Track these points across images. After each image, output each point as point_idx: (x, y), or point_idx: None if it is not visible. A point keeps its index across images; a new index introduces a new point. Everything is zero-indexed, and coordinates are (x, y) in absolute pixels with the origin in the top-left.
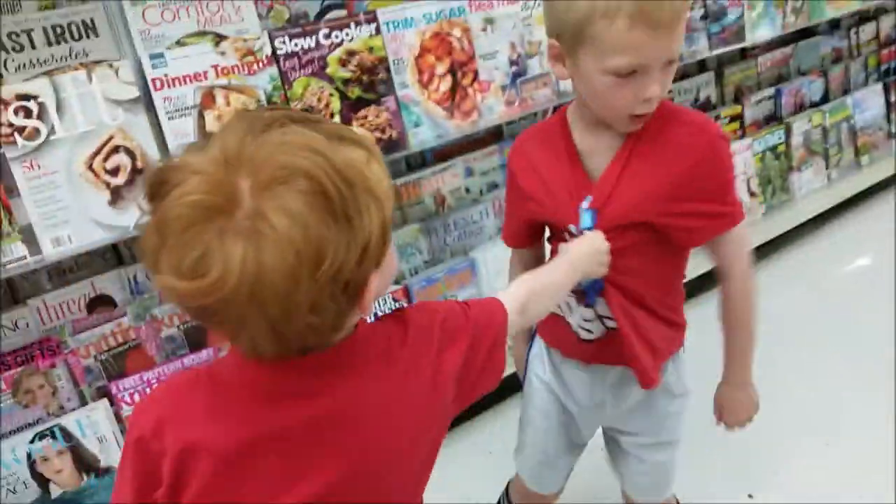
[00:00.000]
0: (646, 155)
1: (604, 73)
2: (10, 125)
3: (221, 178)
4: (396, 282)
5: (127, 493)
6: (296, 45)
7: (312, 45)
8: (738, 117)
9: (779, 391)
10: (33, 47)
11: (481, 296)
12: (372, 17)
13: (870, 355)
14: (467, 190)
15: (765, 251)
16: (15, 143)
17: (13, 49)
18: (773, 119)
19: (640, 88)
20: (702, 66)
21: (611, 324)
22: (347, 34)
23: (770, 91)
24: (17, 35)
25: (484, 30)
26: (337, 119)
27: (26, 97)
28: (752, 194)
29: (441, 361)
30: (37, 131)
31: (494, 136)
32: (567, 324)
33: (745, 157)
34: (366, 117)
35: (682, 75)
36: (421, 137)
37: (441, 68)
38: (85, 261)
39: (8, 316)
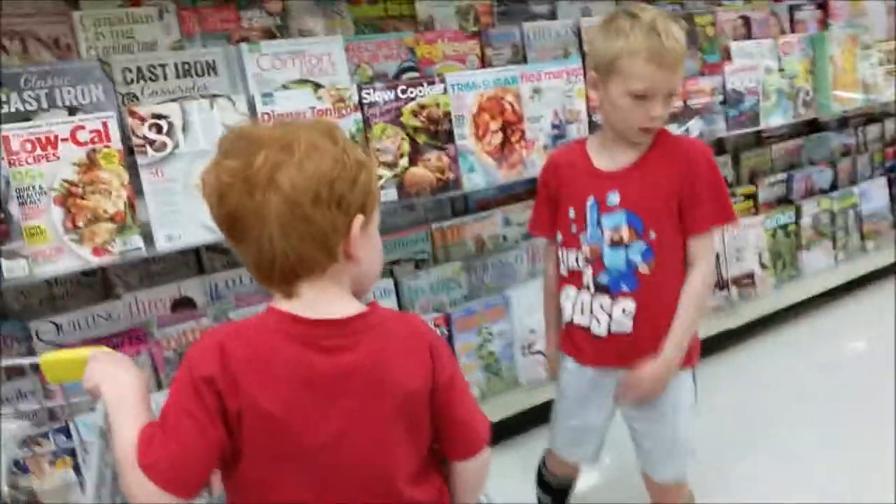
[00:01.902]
0: (655, 161)
1: (625, 94)
2: (144, 138)
3: None
4: (438, 310)
5: (195, 432)
6: (378, 96)
7: (391, 97)
8: (751, 196)
9: (778, 453)
10: (165, 79)
11: (513, 331)
12: (441, 80)
13: (866, 432)
14: (504, 238)
15: (773, 322)
16: (146, 153)
17: (150, 79)
18: (784, 201)
19: (649, 108)
20: (720, 149)
21: (616, 325)
22: (421, 91)
23: (783, 176)
24: (155, 68)
25: (532, 97)
26: (406, 160)
27: (159, 116)
28: (763, 266)
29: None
30: (164, 145)
31: (530, 192)
32: (579, 328)
33: (757, 232)
34: (429, 160)
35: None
36: (474, 181)
37: (494, 126)
38: (171, 267)
39: (103, 307)
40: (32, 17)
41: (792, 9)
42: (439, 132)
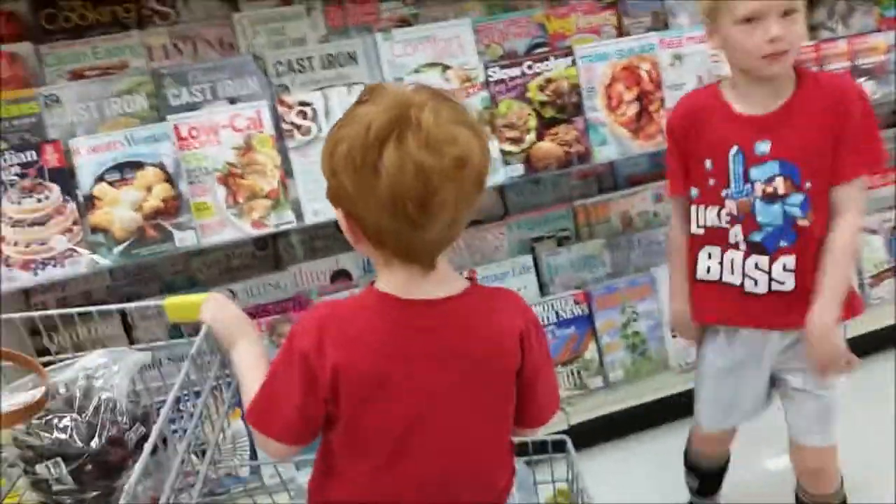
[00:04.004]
0: (805, 102)
1: (735, 23)
2: (292, 124)
3: None
4: (577, 287)
5: (295, 394)
6: (504, 74)
7: (518, 74)
8: None
9: None
10: (312, 70)
11: (661, 311)
12: (569, 52)
13: None
14: (655, 214)
15: None
16: (294, 137)
17: (299, 70)
18: None
19: (764, 31)
20: None
21: (776, 283)
22: (547, 66)
23: None
24: (303, 60)
25: (672, 64)
26: (532, 134)
27: (304, 104)
28: None
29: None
30: (309, 130)
31: None
32: (730, 287)
33: None
34: (556, 133)
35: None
36: (605, 153)
37: (629, 96)
38: (331, 243)
39: (272, 277)
40: (201, 21)
41: None
42: (567, 105)
